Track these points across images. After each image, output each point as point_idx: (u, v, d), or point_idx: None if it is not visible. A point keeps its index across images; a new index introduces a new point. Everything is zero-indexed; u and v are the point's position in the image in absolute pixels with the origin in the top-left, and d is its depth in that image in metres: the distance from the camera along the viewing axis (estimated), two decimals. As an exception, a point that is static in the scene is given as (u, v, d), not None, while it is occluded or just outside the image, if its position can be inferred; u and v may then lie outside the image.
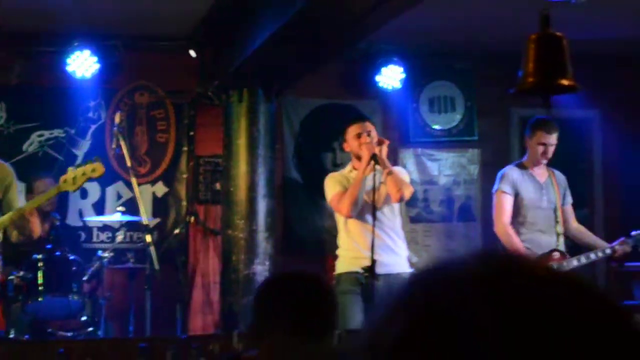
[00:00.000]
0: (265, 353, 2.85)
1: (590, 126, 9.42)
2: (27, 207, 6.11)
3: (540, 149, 6.80)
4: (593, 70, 9.01)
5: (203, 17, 7.91)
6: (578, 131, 9.73)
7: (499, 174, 6.99)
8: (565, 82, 4.28)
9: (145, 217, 7.47)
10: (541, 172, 6.97)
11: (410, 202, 9.22)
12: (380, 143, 6.63)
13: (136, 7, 7.67)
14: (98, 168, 6.32)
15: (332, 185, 6.79)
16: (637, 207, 9.07)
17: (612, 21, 8.09)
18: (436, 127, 9.51)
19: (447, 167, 9.49)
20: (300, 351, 2.80)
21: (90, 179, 6.48)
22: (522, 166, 6.97)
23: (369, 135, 6.67)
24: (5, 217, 6.00)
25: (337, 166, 8.62)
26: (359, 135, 6.68)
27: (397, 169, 7.06)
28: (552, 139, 6.82)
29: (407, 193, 6.81)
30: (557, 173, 7.12)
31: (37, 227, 6.42)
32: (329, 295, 2.97)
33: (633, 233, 6.85)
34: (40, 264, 6.92)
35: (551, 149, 6.85)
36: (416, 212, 9.44)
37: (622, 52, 9.10)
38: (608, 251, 6.82)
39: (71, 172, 6.29)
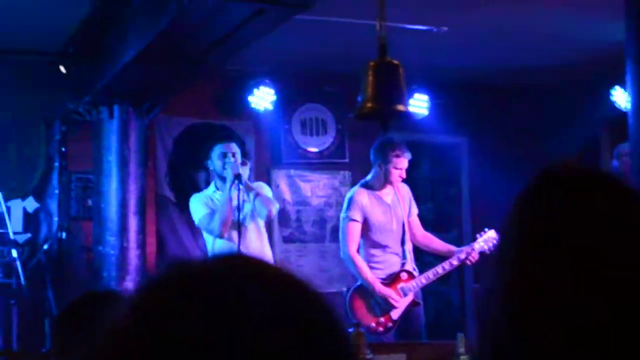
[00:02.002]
0: None
1: (459, 152, 9.65)
2: None
3: (395, 173, 6.84)
4: (462, 97, 9.31)
5: (74, 31, 7.86)
6: (447, 156, 10.00)
7: (348, 199, 7.01)
8: (400, 107, 4.44)
9: (10, 231, 7.46)
10: (387, 192, 6.98)
11: (283, 222, 9.36)
12: (243, 164, 6.79)
13: (6, 20, 7.58)
14: None
15: (198, 207, 6.92)
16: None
17: (476, 49, 8.28)
18: (309, 149, 9.65)
19: (319, 188, 9.61)
20: None
21: None
22: (369, 187, 6.99)
23: (233, 156, 6.83)
24: None
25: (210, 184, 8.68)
26: (223, 155, 6.83)
27: (259, 185, 7.22)
28: (406, 162, 6.87)
29: (274, 210, 6.98)
30: (401, 186, 7.10)
31: None
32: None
33: (478, 237, 7.01)
34: None
35: (402, 173, 6.88)
36: (289, 232, 9.53)
37: (489, 80, 9.35)
38: (455, 262, 6.90)
39: None
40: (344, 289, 9.45)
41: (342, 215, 6.99)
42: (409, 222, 7.08)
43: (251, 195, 6.87)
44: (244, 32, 6.05)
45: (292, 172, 9.56)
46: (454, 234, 9.76)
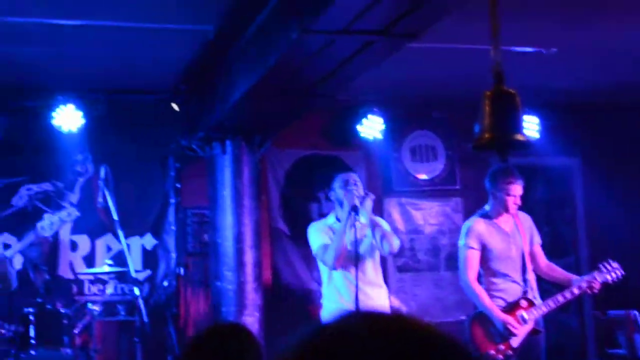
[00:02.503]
0: None
1: (572, 173, 9.49)
2: (7, 255, 6.20)
3: (510, 200, 6.81)
4: (573, 118, 9.15)
5: (184, 69, 8.01)
6: (560, 178, 9.82)
7: (465, 228, 7.00)
8: (519, 137, 4.40)
9: (133, 269, 7.58)
10: (506, 220, 6.94)
11: (397, 252, 9.32)
12: (365, 196, 6.79)
13: (119, 61, 7.76)
14: (72, 212, 6.46)
15: (316, 236, 6.93)
16: (622, 251, 9.11)
17: (587, 70, 8.16)
18: (419, 176, 9.61)
19: (431, 216, 9.56)
20: None
21: (76, 223, 6.61)
22: (487, 217, 6.96)
23: (355, 185, 6.85)
24: None
25: (323, 216, 8.56)
26: (346, 183, 6.85)
27: (379, 221, 7.19)
28: (516, 190, 6.82)
29: (396, 246, 6.97)
30: (521, 215, 7.06)
31: (14, 277, 6.50)
32: (254, 349, 2.93)
33: (601, 267, 6.90)
34: (31, 317, 6.99)
35: (516, 200, 6.84)
36: (403, 261, 9.49)
37: (599, 100, 9.18)
38: (576, 291, 6.83)
39: (47, 218, 6.44)
40: (463, 317, 9.41)
41: (460, 243, 6.96)
42: (531, 251, 7.02)
43: (376, 233, 6.86)
44: (352, 65, 6.08)
45: (403, 200, 9.54)
46: (571, 258, 9.59)
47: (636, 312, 7.51)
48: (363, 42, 5.68)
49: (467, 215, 9.37)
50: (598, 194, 9.80)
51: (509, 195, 6.80)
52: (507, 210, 6.87)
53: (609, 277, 6.85)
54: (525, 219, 7.10)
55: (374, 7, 4.98)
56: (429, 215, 9.56)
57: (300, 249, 9.07)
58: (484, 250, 6.85)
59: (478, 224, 6.91)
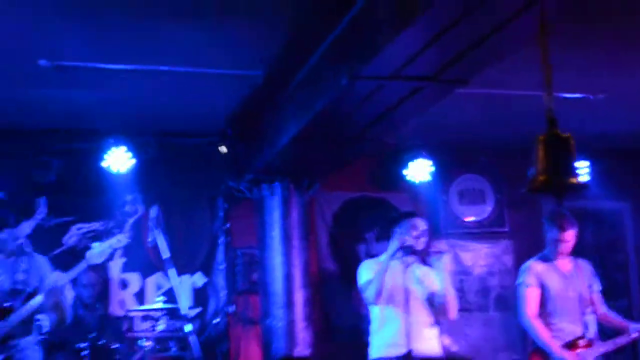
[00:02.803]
0: None
1: (622, 218, 9.39)
2: (59, 283, 6.26)
3: (559, 245, 6.88)
4: (622, 162, 9.07)
5: (232, 113, 8.08)
6: (610, 222, 9.72)
7: (523, 268, 7.07)
8: (574, 180, 4.40)
9: (184, 306, 7.64)
10: (565, 263, 6.98)
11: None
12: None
13: (169, 104, 7.86)
14: (122, 239, 6.53)
15: (365, 271, 6.89)
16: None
17: (634, 114, 8.10)
18: (467, 218, 9.58)
19: (480, 257, 9.51)
20: None
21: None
22: (545, 258, 7.01)
23: (422, 233, 6.84)
24: (39, 297, 6.17)
25: (371, 256, 8.60)
26: (413, 227, 6.85)
27: (429, 271, 7.12)
28: (569, 235, 6.87)
29: (452, 315, 6.94)
30: (582, 262, 7.11)
31: (68, 308, 6.56)
32: None
33: None
34: (84, 352, 7.08)
35: (569, 245, 6.90)
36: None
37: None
38: (634, 335, 6.86)
39: (97, 246, 6.51)
40: (514, 357, 9.34)
41: (519, 281, 7.02)
42: (591, 298, 7.01)
43: (436, 298, 6.83)
44: (401, 110, 6.07)
45: (452, 242, 9.45)
46: (624, 302, 9.47)
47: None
48: (412, 88, 5.67)
49: (517, 257, 9.42)
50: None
51: (562, 240, 6.86)
52: (561, 253, 6.92)
53: None
54: (585, 266, 7.12)
55: (424, 53, 4.95)
56: (478, 256, 9.51)
57: (349, 288, 9.03)
58: (543, 290, 6.90)
59: (536, 264, 6.99)
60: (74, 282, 7.97)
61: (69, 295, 8.12)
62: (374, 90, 5.72)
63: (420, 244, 6.78)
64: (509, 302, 9.45)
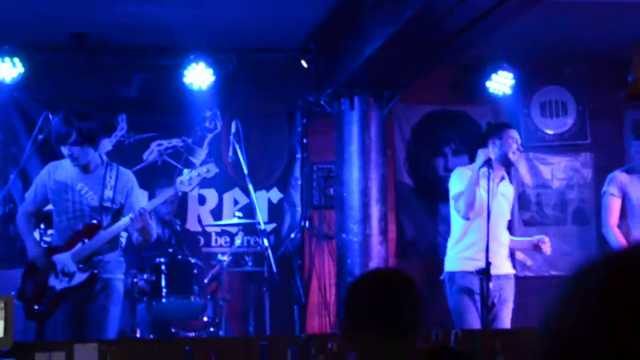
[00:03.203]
0: (361, 353, 2.88)
1: None
2: (147, 208, 6.31)
3: None
4: None
5: (314, 27, 8.03)
6: None
7: (608, 177, 7.08)
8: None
9: (261, 221, 7.68)
10: None
11: (523, 206, 9.24)
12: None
13: (248, 20, 7.83)
14: (212, 168, 6.56)
15: (456, 181, 6.87)
16: None
17: None
18: (548, 131, 9.48)
19: (560, 170, 9.41)
20: (389, 350, 2.81)
21: (204, 179, 6.72)
22: (631, 169, 7.02)
23: (515, 142, 6.80)
24: (126, 218, 6.23)
25: (448, 171, 8.57)
26: (512, 140, 6.80)
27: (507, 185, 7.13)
28: None
29: None
30: None
31: (154, 230, 6.63)
32: (413, 293, 2.92)
33: None
34: (163, 267, 7.14)
35: None
36: (529, 215, 9.38)
37: None
38: None
39: (187, 173, 6.55)
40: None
41: (603, 190, 7.05)
42: None
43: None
44: (489, 18, 6.00)
45: (531, 155, 9.40)
46: None
47: None
48: (503, -6, 5.60)
49: (597, 170, 9.34)
50: None
51: None
52: None
53: None
54: None
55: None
56: (557, 170, 9.41)
57: (424, 203, 9.05)
58: (624, 200, 6.89)
59: (621, 175, 6.99)
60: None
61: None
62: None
63: (516, 157, 6.73)
64: (587, 215, 9.39)
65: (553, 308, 1.00)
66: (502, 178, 6.89)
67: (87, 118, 6.35)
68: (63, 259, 6.25)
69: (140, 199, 6.62)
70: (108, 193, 6.36)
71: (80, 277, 6.23)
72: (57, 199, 6.43)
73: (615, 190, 6.89)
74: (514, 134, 6.89)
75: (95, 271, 6.27)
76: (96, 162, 6.44)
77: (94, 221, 6.33)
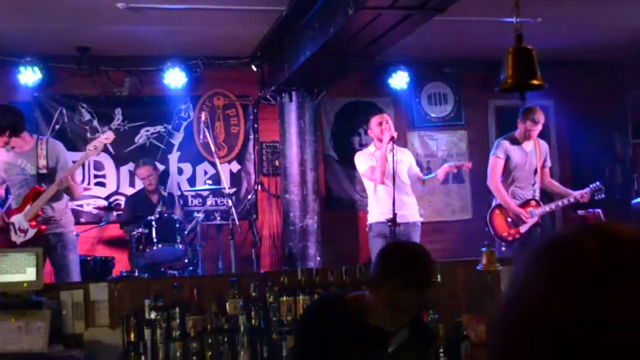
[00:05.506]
0: (381, 297, 2.88)
1: (548, 111, 9.30)
2: (68, 172, 6.03)
3: (529, 133, 6.81)
4: (550, 70, 8.94)
5: (261, 41, 7.93)
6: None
7: (495, 143, 7.01)
8: (535, 82, 4.32)
9: (226, 186, 7.60)
10: (528, 144, 6.91)
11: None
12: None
13: (211, 34, 7.71)
14: (110, 136, 6.29)
15: (363, 161, 6.83)
16: (582, 169, 9.05)
17: (563, 34, 8.02)
18: (433, 115, 9.49)
19: (442, 144, 9.43)
20: (407, 298, 2.84)
21: (106, 145, 6.48)
22: (513, 138, 6.92)
23: (387, 123, 6.74)
24: (55, 183, 5.99)
25: (362, 145, 8.65)
26: (380, 124, 6.74)
27: (409, 154, 7.16)
28: (539, 126, 6.82)
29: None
30: (542, 143, 7.05)
31: (80, 189, 6.33)
32: (428, 260, 2.91)
33: (591, 185, 6.86)
34: (153, 222, 7.03)
35: (537, 132, 6.86)
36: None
37: (569, 57, 8.99)
38: (572, 199, 6.83)
39: (92, 143, 6.28)
40: (466, 217, 9.37)
41: (491, 153, 6.95)
42: (542, 170, 7.00)
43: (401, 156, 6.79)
44: (393, 33, 5.95)
45: (422, 133, 9.42)
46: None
47: (599, 210, 7.47)
48: (402, 16, 5.53)
49: (469, 142, 9.42)
50: (567, 128, 9.70)
51: (533, 130, 6.80)
52: (529, 137, 6.85)
53: (596, 194, 6.82)
54: (544, 146, 7.09)
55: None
56: (440, 143, 9.45)
57: (346, 170, 9.04)
58: (507, 161, 6.82)
59: (505, 141, 6.92)
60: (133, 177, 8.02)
61: (139, 186, 8.08)
62: (374, 18, 5.58)
63: (395, 133, 6.65)
64: (463, 177, 9.47)
65: (521, 277, 0.85)
66: (395, 149, 6.76)
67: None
68: (18, 219, 6.02)
69: (69, 161, 6.26)
70: (42, 162, 6.12)
71: (32, 232, 6.01)
72: (8, 175, 6.22)
73: (501, 153, 6.82)
74: (382, 118, 6.81)
75: (43, 227, 6.05)
76: (27, 141, 6.17)
77: (37, 186, 6.11)
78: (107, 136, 6.25)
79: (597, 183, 6.85)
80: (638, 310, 0.76)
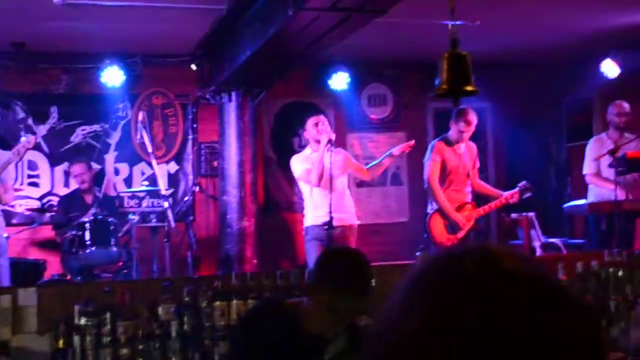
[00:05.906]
0: (318, 303, 2.89)
1: (484, 113, 9.40)
2: None
3: (462, 135, 6.76)
4: (487, 73, 9.05)
5: (200, 39, 7.81)
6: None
7: (430, 146, 6.91)
8: (469, 88, 4.30)
9: (162, 188, 7.46)
10: (460, 146, 6.85)
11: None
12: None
13: (150, 32, 7.56)
14: (31, 139, 6.25)
15: (298, 165, 6.74)
16: (517, 171, 9.14)
17: (500, 37, 8.07)
18: (373, 117, 9.48)
19: (382, 146, 9.40)
20: (344, 304, 2.86)
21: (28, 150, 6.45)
22: (447, 140, 6.85)
23: (323, 124, 6.66)
24: None
25: (302, 147, 8.50)
26: (316, 125, 6.67)
27: (345, 152, 7.10)
28: (472, 127, 6.76)
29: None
30: (471, 144, 6.99)
31: (10, 193, 6.25)
32: (367, 265, 2.93)
33: (519, 184, 6.89)
34: (87, 224, 6.88)
35: (470, 134, 6.81)
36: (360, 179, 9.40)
37: (506, 60, 9.07)
38: (503, 201, 6.84)
39: (15, 147, 6.21)
40: (403, 219, 9.38)
41: (426, 158, 6.84)
42: (472, 172, 6.98)
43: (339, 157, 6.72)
44: (333, 34, 5.89)
45: (361, 134, 9.42)
46: (482, 177, 9.59)
47: (532, 214, 7.53)
48: (342, 18, 5.48)
49: (409, 145, 9.42)
50: (503, 130, 9.83)
51: (466, 131, 6.74)
52: (462, 140, 6.80)
53: (524, 193, 6.85)
54: (473, 147, 7.05)
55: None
56: (380, 145, 9.43)
57: (285, 172, 8.94)
58: (442, 164, 6.76)
59: (439, 144, 6.83)
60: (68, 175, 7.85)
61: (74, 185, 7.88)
62: (313, 19, 5.52)
63: (332, 135, 6.58)
64: (401, 179, 9.50)
65: (395, 296, 0.82)
66: (332, 151, 6.66)
67: None
68: None
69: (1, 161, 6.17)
70: None
71: None
72: None
73: (437, 157, 6.74)
74: (318, 119, 6.72)
75: None
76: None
77: None
78: (28, 140, 6.16)
79: (524, 182, 6.90)
80: (500, 339, 0.75)
